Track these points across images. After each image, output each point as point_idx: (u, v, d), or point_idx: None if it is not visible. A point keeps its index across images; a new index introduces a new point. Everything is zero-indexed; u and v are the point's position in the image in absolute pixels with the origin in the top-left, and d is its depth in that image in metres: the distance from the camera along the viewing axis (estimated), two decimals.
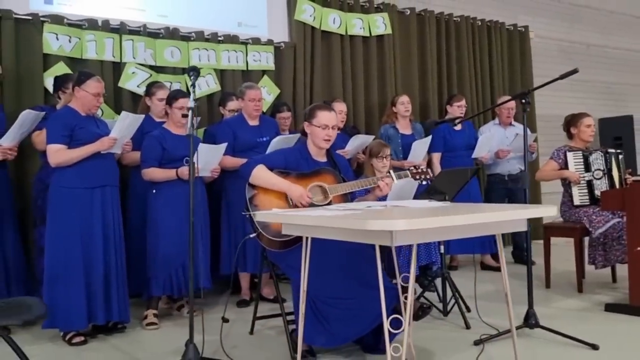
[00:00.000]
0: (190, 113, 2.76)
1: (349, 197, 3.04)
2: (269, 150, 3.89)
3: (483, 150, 5.01)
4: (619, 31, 8.41)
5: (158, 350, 3.19)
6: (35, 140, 3.78)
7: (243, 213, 2.97)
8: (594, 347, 2.89)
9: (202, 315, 3.20)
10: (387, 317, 2.47)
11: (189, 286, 3.74)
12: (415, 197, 3.47)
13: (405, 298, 2.76)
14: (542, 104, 7.11)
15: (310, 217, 2.16)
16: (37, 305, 2.25)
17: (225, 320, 3.02)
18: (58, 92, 3.93)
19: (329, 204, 2.93)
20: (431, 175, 3.12)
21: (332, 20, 5.65)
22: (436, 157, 5.12)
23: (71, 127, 3.34)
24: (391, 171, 3.08)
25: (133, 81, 4.61)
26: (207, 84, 4.96)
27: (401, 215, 1.96)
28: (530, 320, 3.10)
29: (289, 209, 2.84)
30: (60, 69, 4.34)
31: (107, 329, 3.50)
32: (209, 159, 3.79)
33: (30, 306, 2.23)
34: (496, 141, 5.21)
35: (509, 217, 2.08)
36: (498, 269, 4.94)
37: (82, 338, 3.34)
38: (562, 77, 3.00)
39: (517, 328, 3.13)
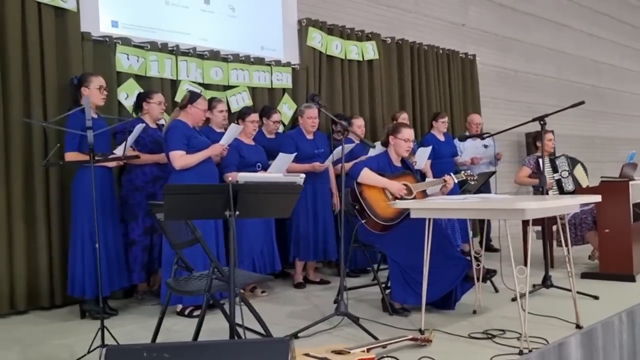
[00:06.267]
0: (343, 130, 3.63)
1: (426, 193, 4.04)
2: (332, 157, 4.80)
3: (469, 155, 6.23)
4: (539, 60, 10.08)
5: (274, 315, 3.97)
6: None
7: (352, 203, 3.85)
8: (596, 297, 4.09)
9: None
10: (460, 281, 3.52)
11: (267, 269, 4.59)
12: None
13: (477, 265, 3.81)
14: (487, 120, 8.48)
15: (457, 201, 3.13)
16: (251, 274, 3.02)
17: (346, 288, 3.88)
18: (142, 105, 4.59)
19: (413, 198, 3.90)
20: (476, 177, 4.20)
21: (335, 47, 6.60)
22: (427, 163, 6.22)
23: (188, 136, 4.06)
24: (452, 174, 4.10)
25: None
26: (243, 100, 5.72)
27: (529, 200, 2.98)
28: (547, 282, 4.26)
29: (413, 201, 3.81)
30: (131, 85, 4.94)
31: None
32: (282, 164, 4.62)
33: (249, 275, 3.00)
34: (473, 150, 6.45)
35: (577, 202, 3.18)
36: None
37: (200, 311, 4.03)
38: (572, 106, 4.16)
39: (538, 288, 4.29)
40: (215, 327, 3.63)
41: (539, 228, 6.74)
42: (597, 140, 11.41)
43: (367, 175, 3.84)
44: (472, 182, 4.17)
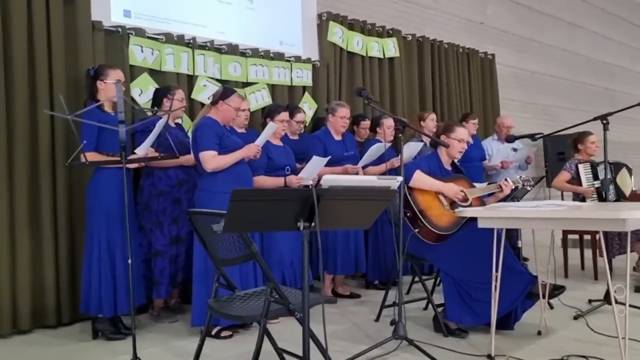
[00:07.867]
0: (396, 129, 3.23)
1: (482, 199, 3.64)
2: (366, 157, 4.41)
3: (499, 158, 5.90)
4: (554, 61, 9.76)
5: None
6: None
7: (404, 210, 3.43)
8: None
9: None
10: (524, 297, 3.11)
11: (297, 282, 4.16)
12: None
13: (543, 281, 3.41)
14: None
15: (535, 210, 2.74)
16: (314, 294, 2.61)
17: (398, 304, 3.47)
18: (162, 101, 4.14)
19: (470, 205, 3.50)
20: (532, 183, 3.81)
21: (356, 43, 6.21)
22: None
23: (219, 136, 3.62)
24: (508, 179, 3.71)
25: (204, 94, 4.84)
26: (262, 98, 5.29)
27: (630, 208, 2.61)
28: (610, 298, 3.86)
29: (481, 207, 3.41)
30: (145, 80, 4.51)
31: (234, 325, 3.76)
32: (314, 168, 4.20)
33: (311, 296, 2.58)
34: (502, 154, 6.09)
35: None
36: None
37: (230, 332, 3.60)
38: (635, 105, 3.79)
39: (600, 304, 3.91)
40: (248, 351, 3.21)
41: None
42: (610, 145, 11.06)
43: (420, 178, 3.44)
44: (529, 188, 3.78)
